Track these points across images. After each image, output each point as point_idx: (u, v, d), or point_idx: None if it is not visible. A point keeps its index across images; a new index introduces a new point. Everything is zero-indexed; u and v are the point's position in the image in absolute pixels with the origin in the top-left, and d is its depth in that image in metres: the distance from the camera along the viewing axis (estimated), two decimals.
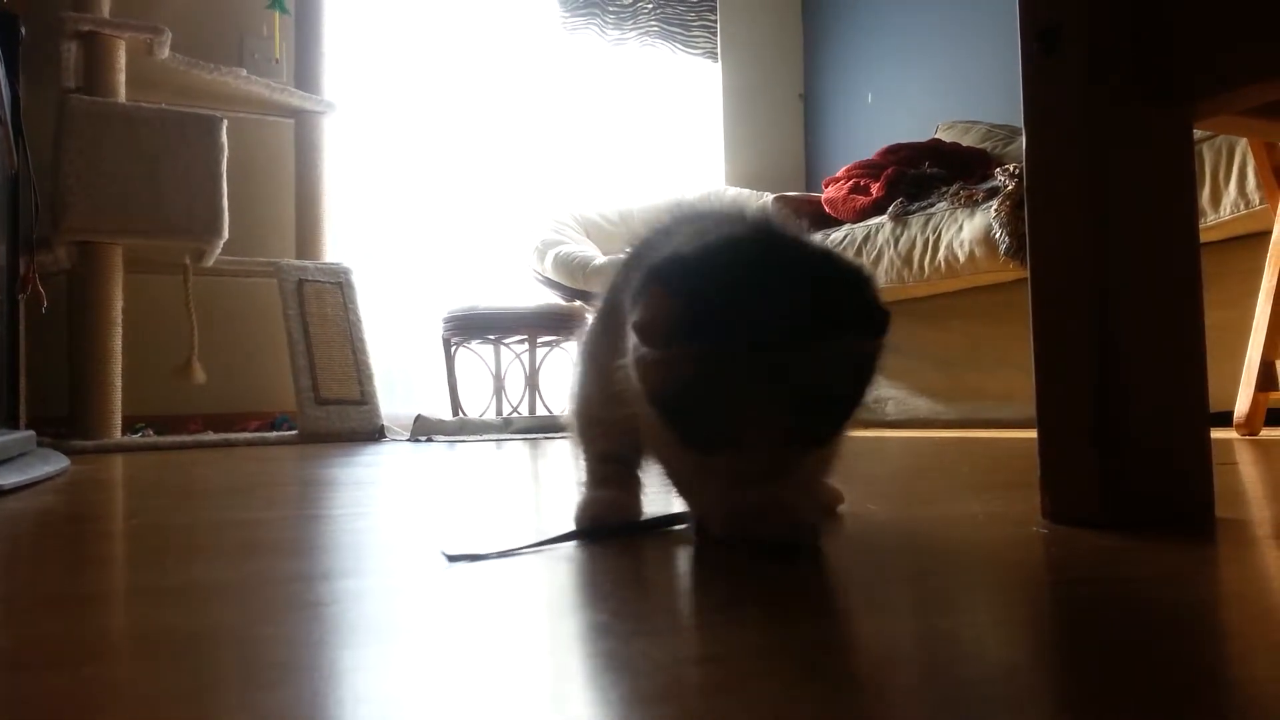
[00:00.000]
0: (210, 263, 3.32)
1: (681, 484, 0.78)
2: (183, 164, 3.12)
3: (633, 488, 0.84)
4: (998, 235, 2.65)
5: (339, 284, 3.56)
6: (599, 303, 0.86)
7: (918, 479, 1.42)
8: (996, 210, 2.65)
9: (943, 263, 2.85)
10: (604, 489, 0.83)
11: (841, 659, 0.43)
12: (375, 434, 3.33)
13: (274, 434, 3.40)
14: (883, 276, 3.12)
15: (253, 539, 0.88)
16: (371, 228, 4.18)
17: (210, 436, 3.29)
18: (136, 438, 3.22)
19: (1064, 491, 0.76)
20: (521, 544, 0.72)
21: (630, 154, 4.71)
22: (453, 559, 0.67)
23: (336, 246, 3.80)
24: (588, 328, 0.88)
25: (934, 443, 2.29)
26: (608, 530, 0.78)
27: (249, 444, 3.22)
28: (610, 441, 0.83)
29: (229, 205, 3.21)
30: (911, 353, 3.04)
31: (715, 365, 0.63)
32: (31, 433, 2.01)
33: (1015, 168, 2.69)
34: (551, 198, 4.37)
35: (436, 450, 2.60)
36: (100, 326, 3.09)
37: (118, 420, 3.14)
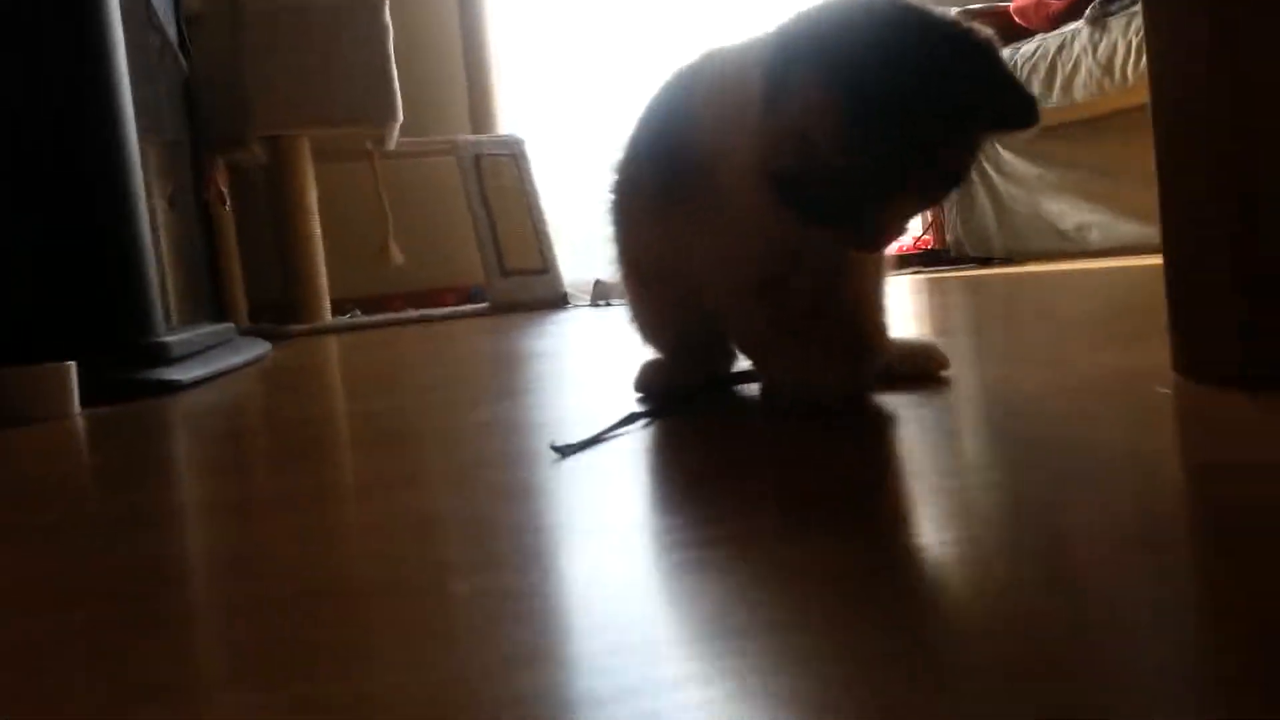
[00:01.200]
0: (392, 146, 3.42)
1: (750, 345, 0.80)
2: (352, 51, 3.19)
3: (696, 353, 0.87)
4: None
5: (514, 156, 3.60)
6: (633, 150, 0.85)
7: (1070, 326, 1.30)
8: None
9: None
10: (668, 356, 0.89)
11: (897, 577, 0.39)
12: (559, 301, 3.40)
13: (467, 307, 3.54)
14: (1080, 89, 2.83)
15: (454, 428, 0.91)
16: (543, 93, 4.16)
17: (410, 314, 3.47)
18: (345, 319, 3.44)
19: (1198, 341, 0.66)
20: (606, 428, 0.71)
21: None
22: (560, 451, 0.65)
23: (510, 116, 3.82)
24: (621, 183, 0.85)
25: (1130, 273, 2.09)
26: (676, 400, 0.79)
27: (445, 319, 3.37)
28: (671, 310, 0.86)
29: (402, 87, 3.27)
30: (1115, 172, 2.77)
31: (874, 158, 0.63)
32: (230, 325, 2.17)
33: None
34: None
35: (616, 314, 2.63)
36: (298, 215, 3.26)
37: (326, 304, 3.35)
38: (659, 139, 0.79)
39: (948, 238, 3.66)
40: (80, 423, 1.15)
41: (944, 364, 0.83)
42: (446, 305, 3.75)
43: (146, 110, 1.86)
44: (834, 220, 0.67)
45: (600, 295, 3.31)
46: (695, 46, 0.81)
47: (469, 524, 0.52)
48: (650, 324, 0.89)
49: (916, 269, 3.55)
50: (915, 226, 4.01)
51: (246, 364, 1.81)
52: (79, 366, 1.26)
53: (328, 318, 3.35)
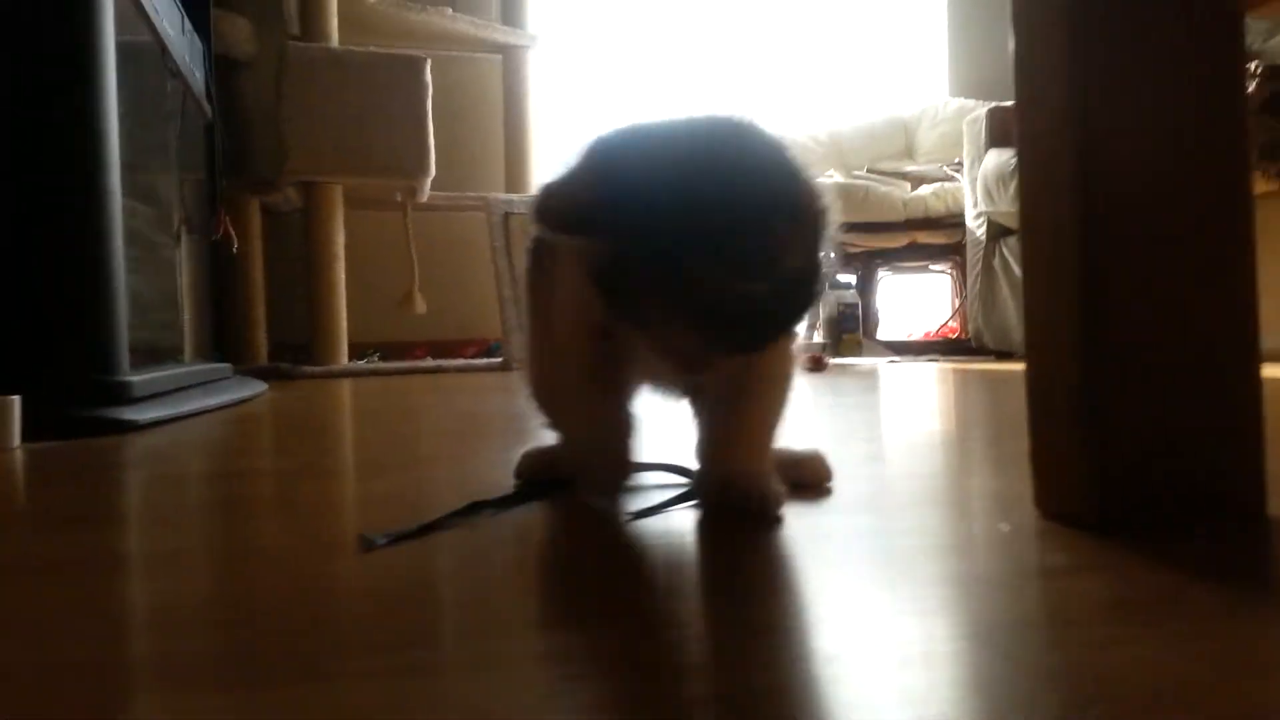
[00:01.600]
0: (424, 199, 3.48)
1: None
2: (390, 105, 3.27)
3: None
4: None
5: None
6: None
7: (995, 435, 1.25)
8: None
9: None
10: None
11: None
12: None
13: (482, 361, 3.56)
14: None
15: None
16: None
17: (425, 363, 3.50)
18: (362, 364, 3.48)
19: (1050, 477, 0.63)
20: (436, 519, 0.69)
21: (842, 71, 4.46)
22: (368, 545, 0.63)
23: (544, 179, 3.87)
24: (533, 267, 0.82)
25: None
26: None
27: (458, 370, 3.40)
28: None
29: (441, 142, 3.34)
30: None
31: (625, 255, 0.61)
32: (224, 365, 2.20)
33: (1258, 66, 2.30)
34: (759, 120, 4.21)
35: None
36: (325, 260, 3.33)
37: (344, 347, 3.39)
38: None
39: (969, 329, 3.61)
40: (14, 456, 1.16)
41: (825, 477, 0.80)
42: (466, 357, 3.78)
43: (153, 149, 1.92)
44: (644, 328, 0.63)
45: None
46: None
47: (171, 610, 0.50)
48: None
49: (933, 356, 3.50)
50: (941, 314, 3.98)
51: (224, 406, 1.82)
52: (31, 401, 1.28)
53: (344, 361, 3.39)
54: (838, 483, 0.79)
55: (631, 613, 0.48)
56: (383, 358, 3.73)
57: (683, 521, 0.68)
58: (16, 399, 1.23)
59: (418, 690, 0.37)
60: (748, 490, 0.69)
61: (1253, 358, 0.63)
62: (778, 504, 0.69)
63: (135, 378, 1.48)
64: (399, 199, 3.48)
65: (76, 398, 1.37)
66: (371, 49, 3.32)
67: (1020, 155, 0.66)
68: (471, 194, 3.69)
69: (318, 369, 3.25)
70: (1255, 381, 0.62)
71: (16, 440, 1.23)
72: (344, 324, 3.39)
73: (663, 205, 0.59)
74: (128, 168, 1.53)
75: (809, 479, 0.79)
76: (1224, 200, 0.62)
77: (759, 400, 0.73)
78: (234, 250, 2.45)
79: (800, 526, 0.66)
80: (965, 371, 2.72)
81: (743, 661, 0.40)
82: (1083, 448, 0.60)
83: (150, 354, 1.81)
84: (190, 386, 1.77)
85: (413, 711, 0.35)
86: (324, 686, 0.38)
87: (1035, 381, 0.65)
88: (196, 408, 1.65)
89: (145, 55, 1.87)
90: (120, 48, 1.52)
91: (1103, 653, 0.40)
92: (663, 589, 0.55)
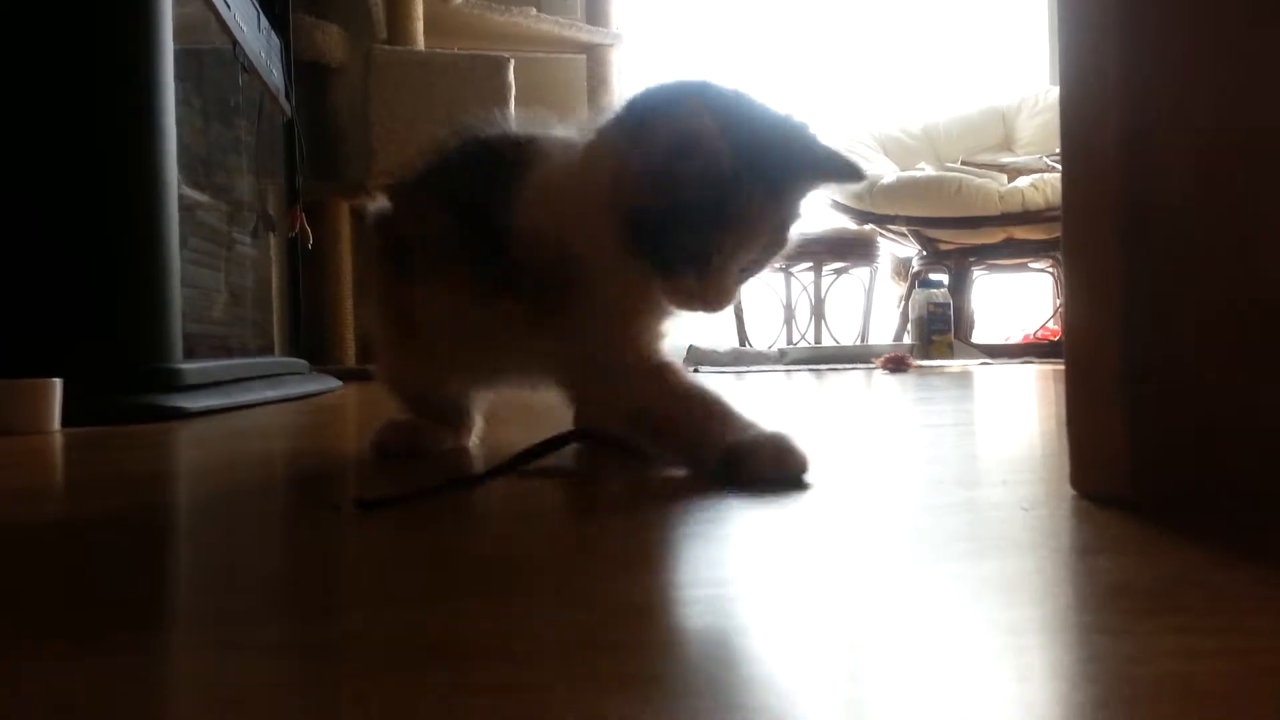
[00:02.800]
0: None
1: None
2: (472, 106, 3.27)
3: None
4: None
5: None
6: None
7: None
8: None
9: None
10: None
11: None
12: None
13: None
14: None
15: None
16: None
17: None
18: None
19: (1088, 455, 0.54)
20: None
21: (938, 60, 4.30)
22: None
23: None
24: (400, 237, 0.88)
25: None
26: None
27: None
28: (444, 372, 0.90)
29: None
30: None
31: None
32: (298, 360, 2.22)
33: None
34: (849, 113, 4.10)
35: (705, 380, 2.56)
36: None
37: None
38: (469, 216, 0.78)
39: None
40: (51, 440, 1.16)
41: (794, 464, 0.67)
42: None
43: (224, 145, 1.94)
44: (680, 266, 0.70)
45: (693, 360, 3.25)
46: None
47: None
48: (412, 378, 0.91)
49: (1029, 359, 3.32)
50: (1040, 316, 3.78)
51: (289, 399, 1.82)
52: (79, 386, 1.29)
53: None
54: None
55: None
56: None
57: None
58: (58, 382, 1.24)
59: None
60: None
61: None
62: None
63: (188, 365, 1.48)
64: None
65: (124, 384, 1.37)
66: (456, 51, 3.33)
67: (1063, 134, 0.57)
68: None
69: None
70: None
71: (56, 423, 1.24)
72: None
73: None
74: (194, 161, 1.54)
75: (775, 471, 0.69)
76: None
77: None
78: (309, 247, 2.47)
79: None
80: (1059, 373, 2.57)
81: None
82: (1121, 425, 0.52)
83: (217, 345, 1.82)
84: (254, 378, 1.78)
85: None
86: None
87: (1074, 361, 0.56)
88: (254, 399, 1.65)
89: (215, 50, 1.89)
90: (186, 41, 1.54)
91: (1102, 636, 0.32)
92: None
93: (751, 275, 0.75)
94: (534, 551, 0.51)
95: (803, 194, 0.72)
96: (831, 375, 2.64)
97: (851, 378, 2.51)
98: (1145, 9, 0.51)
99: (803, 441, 0.68)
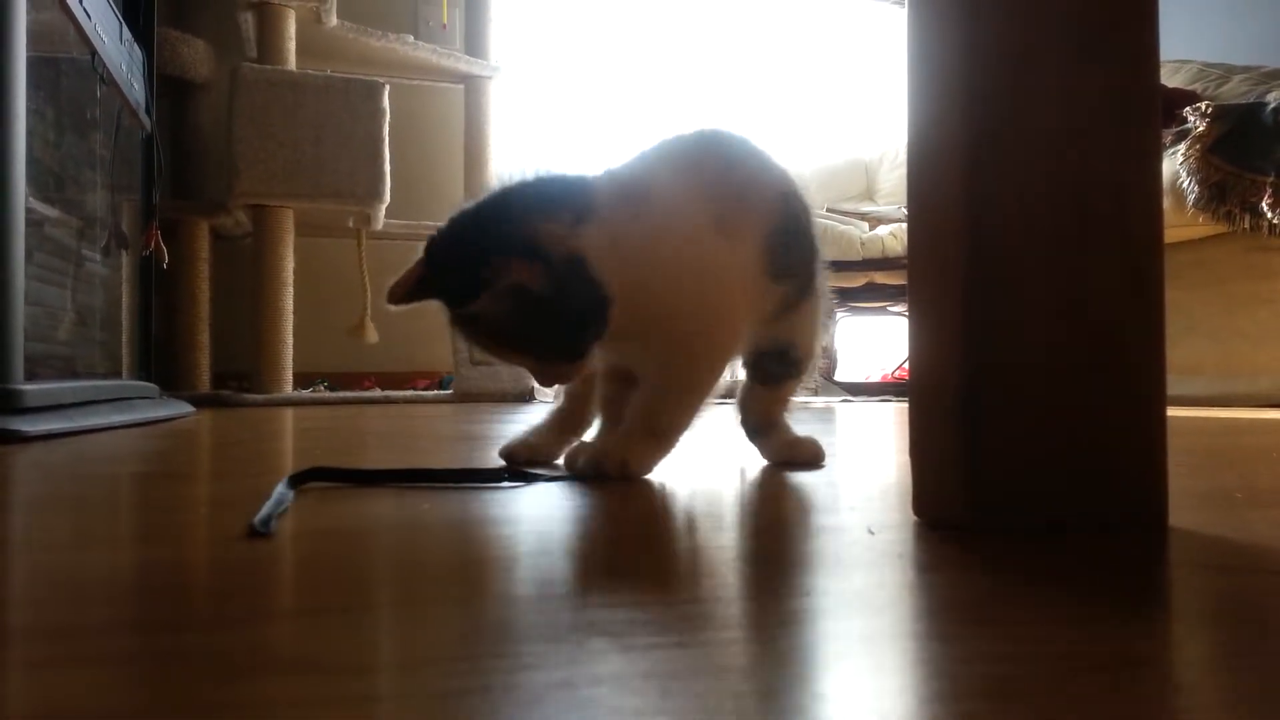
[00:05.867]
0: (378, 226, 3.42)
1: None
2: (346, 129, 3.23)
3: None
4: (1185, 184, 2.27)
5: None
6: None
7: None
8: (1184, 155, 2.28)
9: None
10: None
11: None
12: (525, 395, 3.34)
13: (431, 393, 3.49)
14: None
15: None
16: None
17: (373, 393, 3.42)
18: (307, 393, 3.39)
19: (928, 483, 0.58)
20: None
21: (807, 113, 4.47)
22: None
23: None
24: None
25: None
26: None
27: (408, 401, 3.32)
28: None
29: (399, 171, 3.29)
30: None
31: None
32: (148, 384, 2.13)
33: (1208, 106, 2.30)
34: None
35: None
36: (273, 286, 3.26)
37: (288, 376, 3.31)
38: None
39: None
40: None
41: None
42: (418, 388, 3.71)
43: (78, 157, 1.86)
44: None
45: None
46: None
47: None
48: None
49: (887, 398, 3.47)
50: (899, 356, 3.95)
51: (137, 424, 1.74)
52: None
53: (288, 389, 3.31)
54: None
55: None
56: (330, 388, 3.65)
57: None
58: None
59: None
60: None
61: (1159, 368, 0.58)
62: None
63: (29, 387, 1.41)
64: (352, 225, 3.42)
65: None
66: (329, 73, 3.28)
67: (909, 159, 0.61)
68: (429, 223, 3.60)
69: (259, 396, 3.17)
70: (1160, 393, 0.58)
71: None
72: (290, 352, 3.31)
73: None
74: (44, 174, 1.47)
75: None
76: (1122, 206, 0.57)
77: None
78: (164, 266, 2.38)
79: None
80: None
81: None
82: (960, 451, 0.55)
83: (61, 367, 1.73)
84: (101, 402, 1.69)
85: None
86: None
87: (918, 384, 0.60)
88: (100, 423, 1.58)
89: (73, 60, 1.81)
90: (41, 48, 1.47)
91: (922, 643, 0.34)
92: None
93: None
94: (403, 564, 0.51)
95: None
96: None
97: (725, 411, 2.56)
98: (986, 56, 0.56)
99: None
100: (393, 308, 0.84)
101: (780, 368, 0.93)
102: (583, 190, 0.81)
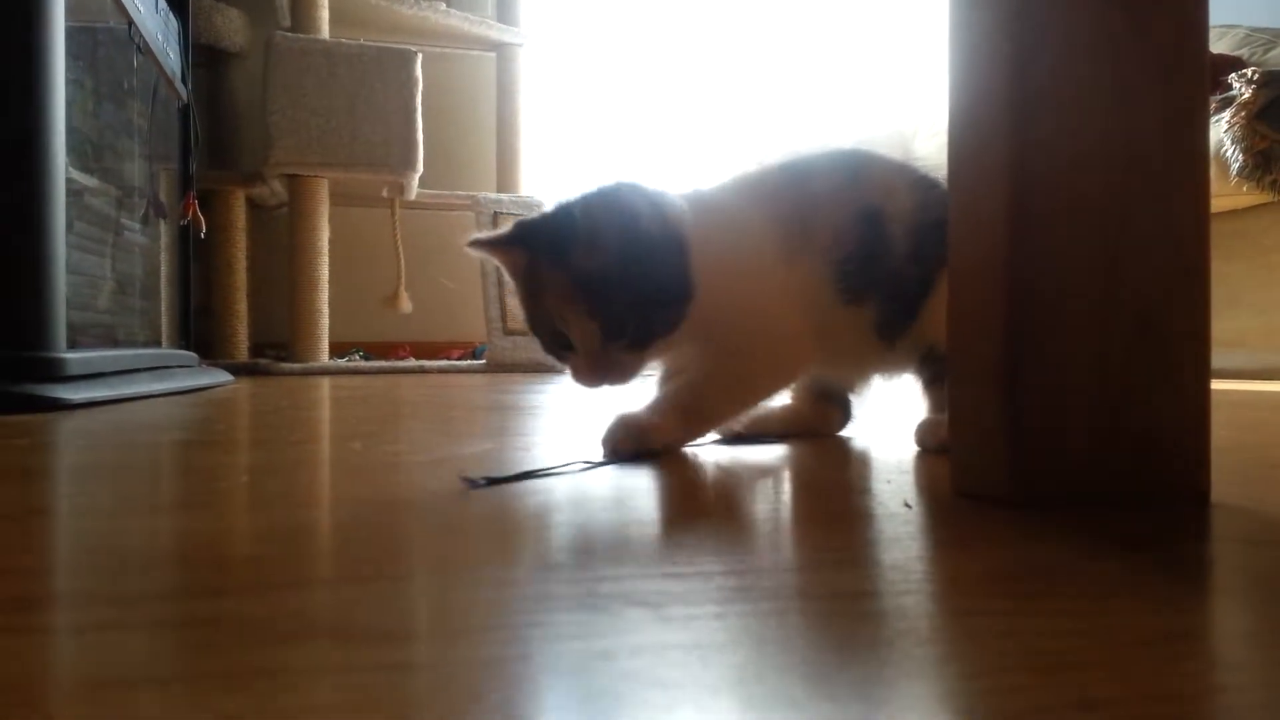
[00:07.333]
0: (412, 196, 3.43)
1: None
2: (379, 99, 3.23)
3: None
4: (1229, 153, 2.22)
5: None
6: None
7: None
8: (1229, 123, 2.22)
9: None
10: None
11: None
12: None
13: (464, 362, 3.50)
14: None
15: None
16: (567, 161, 4.18)
17: (407, 363, 3.45)
18: (343, 362, 3.42)
19: (965, 450, 0.57)
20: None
21: (848, 83, 4.40)
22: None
23: (533, 180, 3.83)
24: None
25: None
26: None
27: (441, 371, 3.34)
28: None
29: (431, 140, 3.29)
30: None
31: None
32: (188, 353, 2.15)
33: (1255, 72, 2.24)
34: (753, 131, 4.17)
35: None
36: (308, 256, 3.28)
37: (324, 345, 3.34)
38: None
39: None
40: None
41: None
42: (451, 358, 3.73)
43: (116, 127, 1.87)
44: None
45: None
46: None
47: None
48: None
49: None
50: None
51: (176, 393, 1.77)
52: None
53: (324, 359, 3.34)
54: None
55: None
56: (365, 357, 3.68)
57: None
58: None
59: None
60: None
61: (1203, 340, 0.57)
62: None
63: (71, 355, 1.43)
64: (386, 194, 3.43)
65: (2, 373, 1.31)
66: (362, 42, 3.28)
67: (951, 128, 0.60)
68: (461, 193, 3.64)
69: (295, 365, 3.20)
70: (1204, 365, 0.56)
71: None
72: (325, 321, 3.33)
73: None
74: (83, 143, 1.48)
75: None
76: (1169, 167, 0.56)
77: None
78: (202, 236, 2.40)
79: None
80: None
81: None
82: (1001, 424, 0.54)
83: (102, 335, 1.76)
84: (141, 370, 1.72)
85: None
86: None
87: (958, 356, 0.59)
88: (141, 391, 1.60)
89: (110, 29, 1.82)
90: (79, 18, 1.48)
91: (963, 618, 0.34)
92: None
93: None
94: (443, 531, 0.51)
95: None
96: None
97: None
98: (1033, 13, 0.54)
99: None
100: (471, 252, 0.86)
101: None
102: (695, 195, 0.88)
